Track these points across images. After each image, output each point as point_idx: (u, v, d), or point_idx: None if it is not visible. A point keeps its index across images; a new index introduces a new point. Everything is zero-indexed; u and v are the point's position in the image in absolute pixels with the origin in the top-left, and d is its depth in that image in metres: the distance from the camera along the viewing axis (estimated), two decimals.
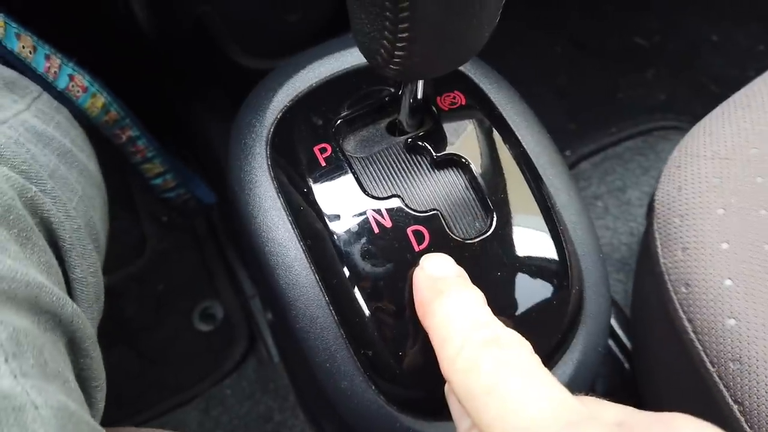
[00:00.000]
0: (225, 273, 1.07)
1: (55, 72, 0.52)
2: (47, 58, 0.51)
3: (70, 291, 0.37)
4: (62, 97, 0.53)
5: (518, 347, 0.28)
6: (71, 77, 0.54)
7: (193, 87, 0.92)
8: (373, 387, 0.39)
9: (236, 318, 1.03)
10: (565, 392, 0.26)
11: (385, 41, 0.32)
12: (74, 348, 0.33)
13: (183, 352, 1.01)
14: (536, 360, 0.28)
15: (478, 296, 0.33)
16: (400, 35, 0.30)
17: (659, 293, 0.50)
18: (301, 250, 0.40)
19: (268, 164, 0.42)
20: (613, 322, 0.85)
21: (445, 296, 0.32)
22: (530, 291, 0.40)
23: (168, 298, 1.05)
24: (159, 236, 1.10)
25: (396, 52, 0.32)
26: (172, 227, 1.10)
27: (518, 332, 0.40)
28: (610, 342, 0.85)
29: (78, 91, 0.55)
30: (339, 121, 0.42)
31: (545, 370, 0.27)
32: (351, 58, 0.46)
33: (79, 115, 0.56)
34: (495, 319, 0.31)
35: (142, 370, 1.01)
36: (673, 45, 1.27)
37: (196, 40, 0.87)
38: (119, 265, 1.08)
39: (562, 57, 1.28)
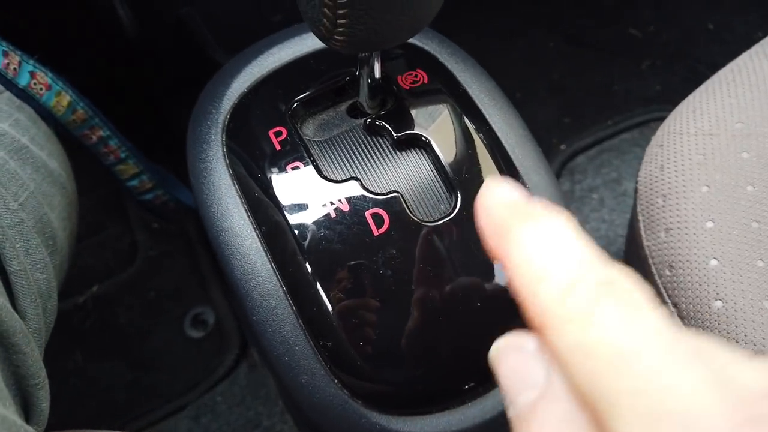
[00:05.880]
0: (217, 278, 1.06)
1: (14, 69, 0.51)
2: (5, 54, 0.50)
3: (9, 285, 0.35)
4: (25, 96, 0.52)
5: (645, 295, 0.21)
6: (32, 74, 0.52)
7: (176, 87, 0.91)
8: (336, 381, 0.37)
9: (228, 323, 1.01)
10: (710, 367, 0.19)
11: (325, 9, 0.30)
12: (3, 342, 0.31)
13: (175, 360, 1.00)
14: (667, 314, 0.21)
15: (575, 221, 0.24)
16: (339, 0, 0.29)
17: (644, 278, 0.47)
18: (256, 238, 0.38)
19: (223, 151, 0.41)
20: None
21: (535, 219, 0.24)
22: (498, 275, 0.38)
23: (159, 305, 1.04)
24: (150, 243, 1.09)
25: (338, 21, 0.30)
26: (163, 234, 1.09)
27: (487, 318, 0.38)
28: None
29: (41, 89, 0.53)
30: (295, 104, 0.40)
31: (678, 328, 0.20)
32: (311, 42, 0.45)
33: (46, 114, 0.55)
34: (602, 252, 0.23)
35: (134, 378, 0.99)
36: (667, 35, 1.25)
37: (178, 40, 0.86)
38: (111, 273, 1.07)
39: (557, 52, 1.26)
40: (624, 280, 0.21)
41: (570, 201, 1.01)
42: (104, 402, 0.97)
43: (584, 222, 0.98)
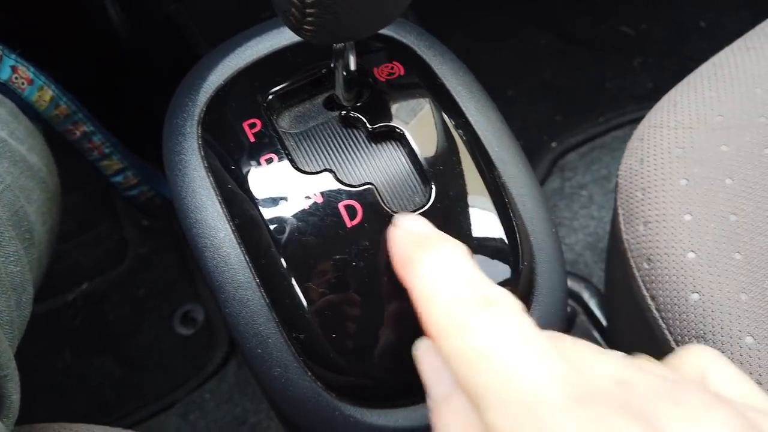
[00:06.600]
0: None
1: None
2: None
3: None
4: (6, 90, 0.52)
5: (513, 307, 0.25)
6: (14, 69, 0.52)
7: (164, 84, 0.91)
8: (309, 373, 0.37)
9: (217, 321, 1.01)
10: (564, 360, 0.22)
11: None
12: None
13: (164, 357, 1.00)
14: (532, 322, 0.24)
15: (464, 251, 0.29)
16: None
17: (624, 271, 0.47)
18: (230, 230, 0.38)
19: (198, 144, 0.40)
20: (598, 313, 0.82)
21: (431, 250, 0.29)
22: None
23: (149, 303, 1.04)
24: (140, 240, 1.09)
25: (306, 10, 0.30)
26: (153, 231, 1.09)
27: None
28: (596, 335, 0.82)
29: (23, 84, 0.53)
30: (270, 96, 0.40)
31: (543, 333, 0.24)
32: (289, 35, 0.44)
33: (28, 109, 0.55)
34: (485, 276, 0.27)
35: (123, 376, 0.99)
36: (659, 32, 1.25)
37: (167, 38, 0.86)
38: (100, 270, 1.07)
39: (549, 49, 1.26)
40: (503, 297, 0.25)
41: (560, 198, 1.01)
42: (93, 399, 0.97)
43: (573, 219, 0.98)
